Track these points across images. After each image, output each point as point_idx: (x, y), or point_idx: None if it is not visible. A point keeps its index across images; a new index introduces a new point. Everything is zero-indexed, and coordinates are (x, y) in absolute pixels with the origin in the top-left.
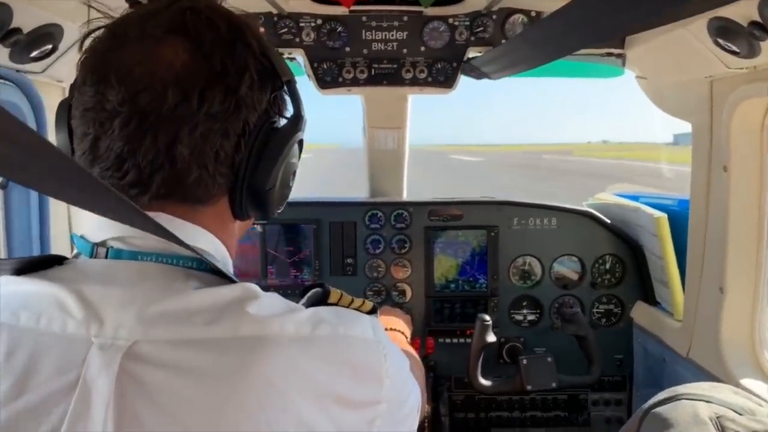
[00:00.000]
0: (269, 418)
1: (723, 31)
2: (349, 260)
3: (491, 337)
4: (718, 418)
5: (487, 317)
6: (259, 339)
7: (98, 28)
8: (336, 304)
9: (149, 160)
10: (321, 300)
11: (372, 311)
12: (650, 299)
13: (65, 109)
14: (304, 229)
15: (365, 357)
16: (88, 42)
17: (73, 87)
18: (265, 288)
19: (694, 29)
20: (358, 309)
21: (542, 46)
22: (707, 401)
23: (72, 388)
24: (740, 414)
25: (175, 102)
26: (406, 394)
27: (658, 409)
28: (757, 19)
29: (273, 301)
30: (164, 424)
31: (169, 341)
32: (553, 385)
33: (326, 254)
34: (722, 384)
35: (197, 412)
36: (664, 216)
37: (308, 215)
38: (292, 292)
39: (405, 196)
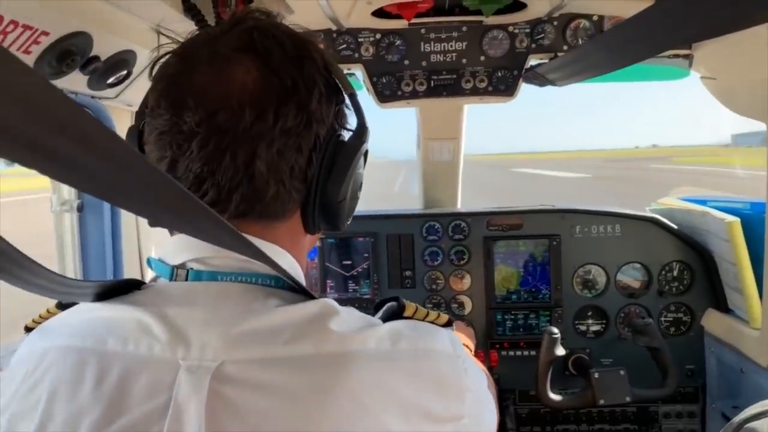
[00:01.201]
0: None
1: None
2: (408, 273)
3: (560, 351)
4: None
5: (556, 330)
6: (342, 356)
7: (167, 54)
8: (412, 318)
9: (228, 177)
10: (396, 314)
11: (447, 324)
12: (722, 307)
13: (135, 135)
14: (361, 242)
15: (447, 371)
16: (156, 68)
17: (141, 113)
18: None
19: None
20: (433, 322)
21: (614, 53)
22: None
23: (164, 412)
24: None
25: (251, 120)
26: (485, 410)
27: (753, 424)
28: None
29: (352, 316)
30: None
31: (254, 360)
32: (627, 399)
33: (384, 267)
34: None
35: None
36: (736, 220)
37: (365, 228)
38: (351, 305)
39: (459, 207)
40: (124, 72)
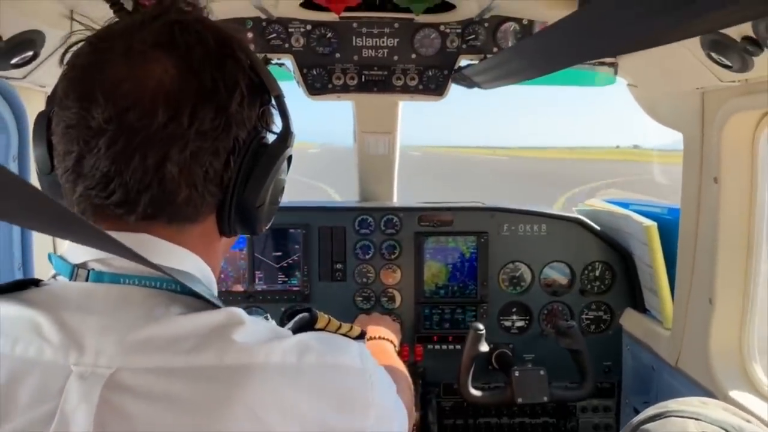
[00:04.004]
0: None
1: (716, 45)
2: (339, 266)
3: (484, 347)
4: None
5: (481, 326)
6: (244, 368)
7: (80, 41)
8: (324, 330)
9: (137, 179)
10: (308, 325)
11: (359, 336)
12: (639, 307)
13: (43, 122)
14: (292, 233)
15: (352, 386)
16: (69, 55)
17: (51, 100)
18: (253, 294)
19: (687, 43)
20: (345, 334)
21: (536, 60)
22: (696, 419)
23: (50, 420)
24: None
25: (164, 120)
26: (392, 422)
27: (647, 426)
28: (751, 34)
29: (258, 327)
30: None
31: (151, 369)
32: (545, 399)
33: (315, 259)
34: (712, 400)
35: None
36: (653, 224)
37: (297, 220)
38: (280, 297)
39: (395, 201)
40: (30, 53)
